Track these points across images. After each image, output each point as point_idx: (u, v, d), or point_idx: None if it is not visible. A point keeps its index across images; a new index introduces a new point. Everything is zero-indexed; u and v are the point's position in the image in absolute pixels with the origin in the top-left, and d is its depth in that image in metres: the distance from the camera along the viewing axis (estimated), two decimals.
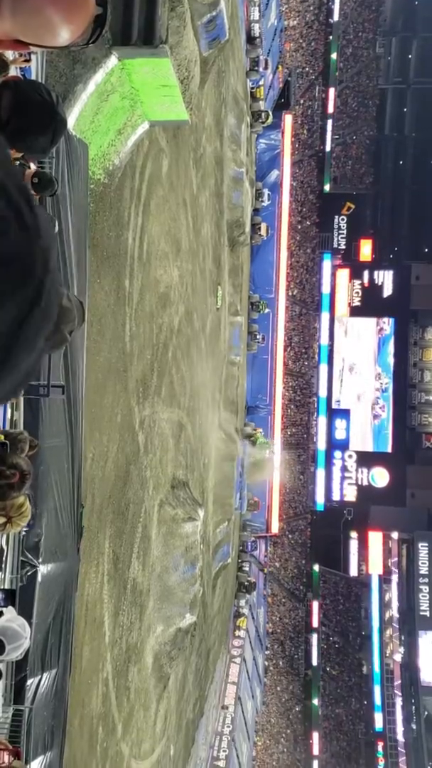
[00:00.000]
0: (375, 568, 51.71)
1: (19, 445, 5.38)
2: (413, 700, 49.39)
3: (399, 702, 49.76)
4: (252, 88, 39.65)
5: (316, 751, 50.77)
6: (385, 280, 53.07)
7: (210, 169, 24.82)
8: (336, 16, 54.81)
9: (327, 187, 55.60)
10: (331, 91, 54.78)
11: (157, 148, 15.95)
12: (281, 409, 51.12)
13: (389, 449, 52.77)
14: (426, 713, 48.53)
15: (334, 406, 53.58)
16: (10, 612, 5.87)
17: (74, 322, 4.66)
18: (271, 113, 43.19)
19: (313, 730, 51.32)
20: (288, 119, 50.09)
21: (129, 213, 13.81)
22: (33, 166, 6.16)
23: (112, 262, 12.82)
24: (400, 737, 49.27)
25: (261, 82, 41.11)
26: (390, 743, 49.55)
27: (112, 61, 11.67)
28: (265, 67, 41.56)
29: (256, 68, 39.26)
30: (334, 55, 54.79)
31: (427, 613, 48.99)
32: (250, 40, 38.51)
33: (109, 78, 11.80)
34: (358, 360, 53.44)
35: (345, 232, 54.48)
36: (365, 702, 51.76)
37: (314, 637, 53.14)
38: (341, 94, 55.44)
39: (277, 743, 50.85)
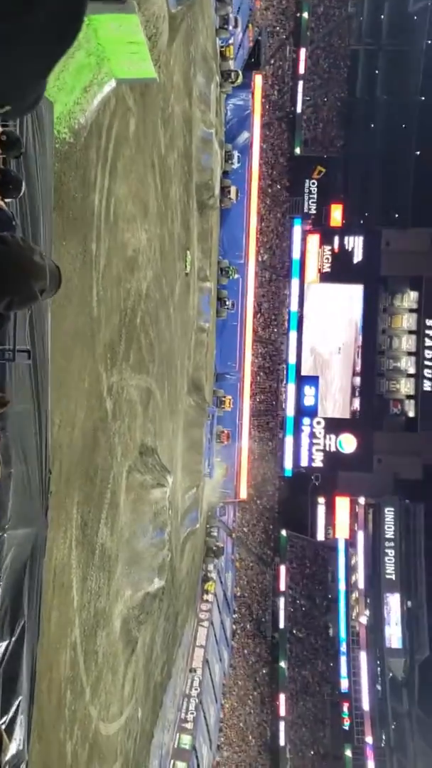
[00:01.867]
0: (342, 532, 52.39)
1: None
2: (378, 662, 50.42)
3: (364, 664, 50.72)
4: (221, 47, 38.87)
5: (282, 712, 51.68)
6: (356, 246, 53.03)
7: (178, 129, 24.35)
8: None
9: (298, 150, 55.13)
10: (302, 52, 54.08)
11: (124, 107, 15.55)
12: (250, 376, 51.07)
13: (357, 416, 53.29)
14: (390, 674, 49.59)
15: (305, 372, 53.82)
16: None
17: (46, 281, 4.52)
18: (240, 73, 42.38)
19: (280, 691, 52.19)
20: (258, 79, 49.21)
21: (95, 174, 13.47)
22: None
23: (78, 225, 12.51)
24: (365, 698, 50.31)
25: (230, 41, 40.27)
26: (355, 704, 50.61)
27: None
28: (235, 26, 40.72)
29: (225, 26, 38.40)
30: (305, 14, 54.04)
31: (393, 577, 49.84)
32: None
33: None
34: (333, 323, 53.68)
35: (315, 196, 54.19)
36: (331, 664, 52.70)
37: (281, 601, 53.85)
38: (312, 55, 54.73)
39: (244, 705, 51.61)
